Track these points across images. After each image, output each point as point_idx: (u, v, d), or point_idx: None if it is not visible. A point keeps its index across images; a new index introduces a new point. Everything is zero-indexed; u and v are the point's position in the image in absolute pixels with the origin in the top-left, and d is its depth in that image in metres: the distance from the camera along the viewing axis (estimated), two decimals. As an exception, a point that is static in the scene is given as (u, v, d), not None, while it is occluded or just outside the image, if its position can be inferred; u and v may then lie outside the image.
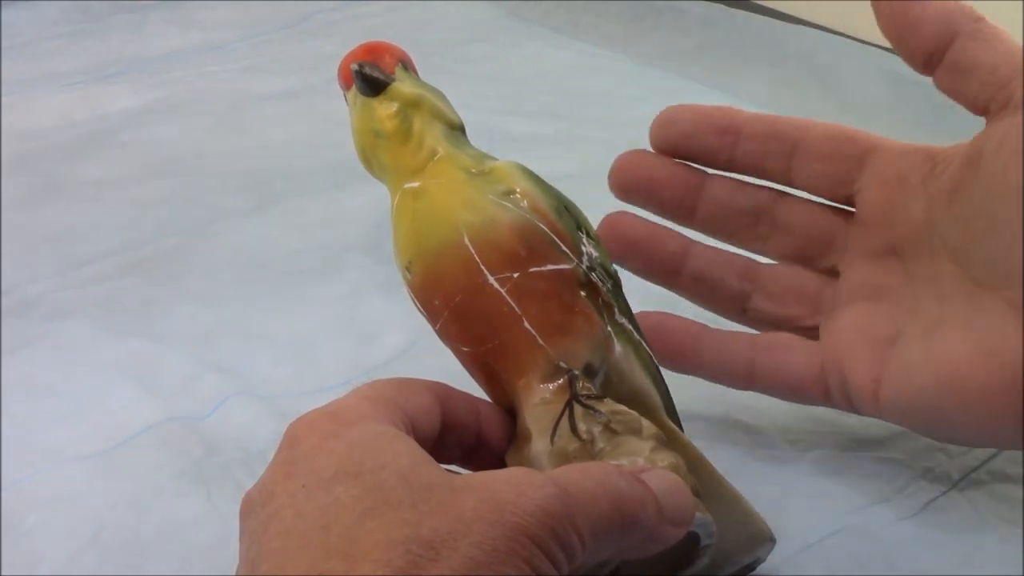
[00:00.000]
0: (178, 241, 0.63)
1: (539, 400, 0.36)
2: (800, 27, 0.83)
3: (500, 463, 0.37)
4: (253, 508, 0.32)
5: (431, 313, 0.37)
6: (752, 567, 0.38)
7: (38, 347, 0.54)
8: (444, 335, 0.38)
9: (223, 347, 0.54)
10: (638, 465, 0.34)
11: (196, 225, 0.64)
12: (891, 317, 0.41)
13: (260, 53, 0.89)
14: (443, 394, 0.36)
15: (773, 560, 0.39)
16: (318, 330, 0.55)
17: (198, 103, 0.81)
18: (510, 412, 0.37)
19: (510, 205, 0.37)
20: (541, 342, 0.36)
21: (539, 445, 0.35)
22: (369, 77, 0.38)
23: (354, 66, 0.38)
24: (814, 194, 0.44)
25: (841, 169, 0.43)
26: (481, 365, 0.37)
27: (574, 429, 0.35)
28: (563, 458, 0.35)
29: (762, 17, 0.84)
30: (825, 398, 0.43)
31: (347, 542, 0.29)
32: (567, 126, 0.75)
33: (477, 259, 0.36)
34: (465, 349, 0.37)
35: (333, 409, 0.34)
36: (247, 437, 0.48)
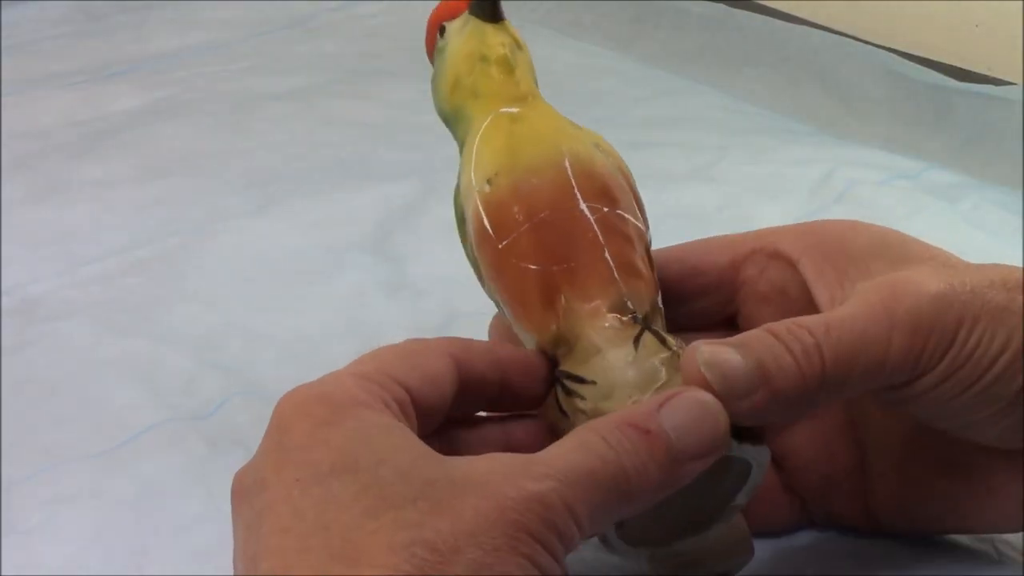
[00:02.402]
0: (179, 241, 0.63)
1: (608, 324, 0.36)
2: (800, 27, 0.82)
3: (527, 406, 0.37)
4: (247, 494, 0.31)
5: (503, 226, 0.37)
6: None
7: (39, 347, 0.54)
8: (510, 252, 0.37)
9: (224, 347, 0.54)
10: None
11: (197, 225, 0.64)
12: None
13: (261, 53, 0.89)
14: (460, 352, 0.36)
15: (772, 559, 0.39)
16: (320, 330, 0.55)
17: (199, 103, 0.81)
18: (545, 347, 0.37)
19: (606, 156, 0.39)
20: (616, 276, 0.37)
21: (616, 354, 0.35)
22: (493, 1, 0.39)
23: None
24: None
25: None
26: (542, 286, 0.37)
27: (663, 340, 0.35)
28: (650, 374, 0.35)
29: (763, 17, 0.84)
30: None
31: (350, 545, 0.29)
32: (568, 126, 0.75)
33: (574, 183, 0.37)
34: (533, 267, 0.37)
35: (323, 390, 0.33)
36: (249, 437, 0.47)
